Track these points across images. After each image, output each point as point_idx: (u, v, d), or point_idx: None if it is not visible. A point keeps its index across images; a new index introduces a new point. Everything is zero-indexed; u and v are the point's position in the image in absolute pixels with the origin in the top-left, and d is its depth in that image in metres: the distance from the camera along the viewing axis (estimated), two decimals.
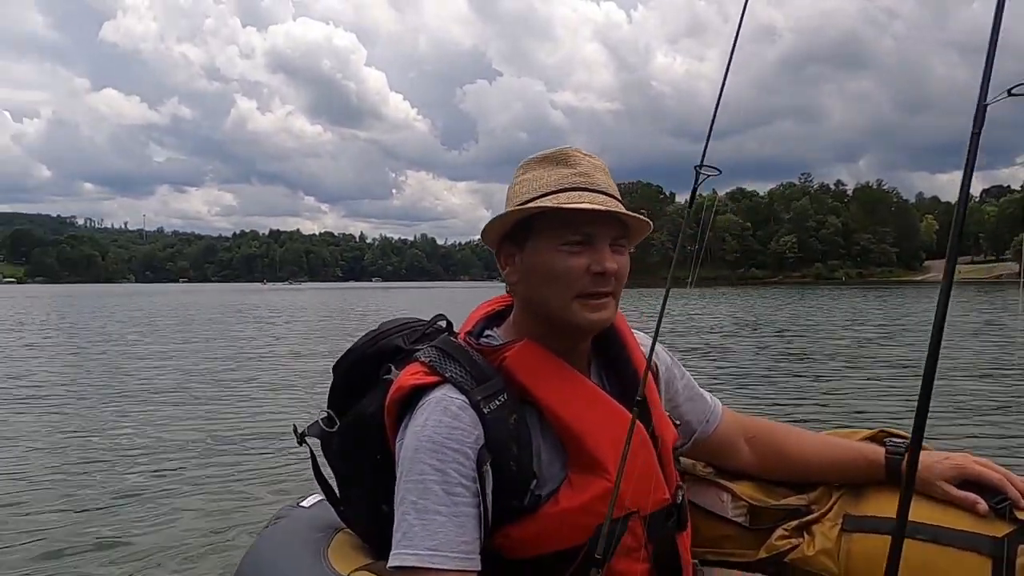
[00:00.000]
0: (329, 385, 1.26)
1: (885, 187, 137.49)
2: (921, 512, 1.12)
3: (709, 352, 11.62)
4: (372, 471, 1.13)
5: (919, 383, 0.72)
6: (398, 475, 0.99)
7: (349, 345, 1.25)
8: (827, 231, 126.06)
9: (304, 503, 1.40)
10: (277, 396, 7.41)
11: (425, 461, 0.96)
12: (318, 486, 1.32)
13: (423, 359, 1.06)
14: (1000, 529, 1.08)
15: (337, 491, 1.26)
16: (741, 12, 1.01)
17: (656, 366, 1.23)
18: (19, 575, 2.94)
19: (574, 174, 1.06)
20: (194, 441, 5.26)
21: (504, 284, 1.13)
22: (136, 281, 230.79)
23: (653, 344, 1.02)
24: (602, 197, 1.04)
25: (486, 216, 1.13)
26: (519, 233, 1.07)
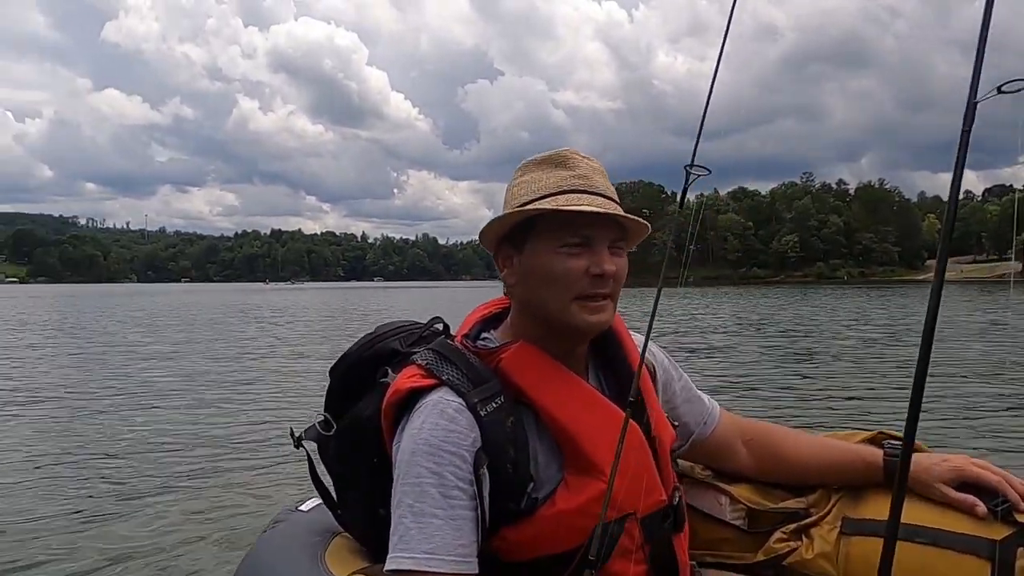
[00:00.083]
0: (326, 388, 1.26)
1: (887, 186, 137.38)
2: (919, 515, 1.12)
3: (710, 352, 11.60)
4: (369, 474, 1.13)
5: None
6: (395, 478, 0.99)
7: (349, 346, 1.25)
8: (829, 230, 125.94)
9: (303, 507, 1.40)
10: (278, 398, 7.40)
11: (422, 464, 0.96)
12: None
13: (420, 362, 1.05)
14: (999, 532, 1.07)
15: (334, 495, 1.26)
16: (729, 15, 1.01)
17: (653, 367, 1.23)
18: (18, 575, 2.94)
19: (573, 176, 1.06)
20: (194, 443, 5.25)
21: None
22: (138, 281, 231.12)
23: (646, 343, 1.02)
24: (601, 199, 1.04)
25: (487, 215, 1.14)
26: (518, 235, 1.07)
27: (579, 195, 1.04)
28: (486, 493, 0.97)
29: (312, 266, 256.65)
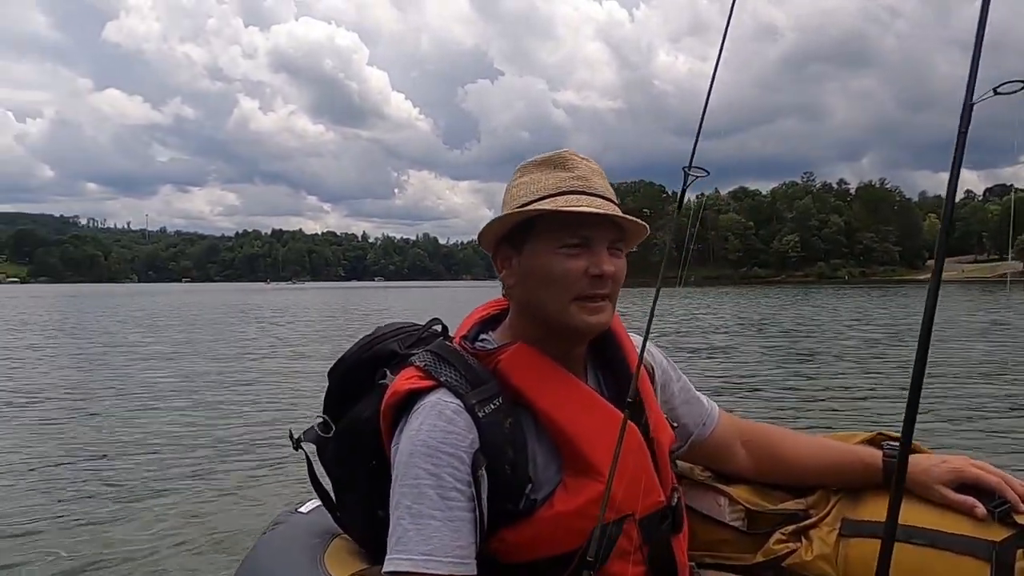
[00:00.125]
0: (325, 390, 1.26)
1: (888, 186, 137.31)
2: (918, 516, 1.12)
3: (712, 353, 11.60)
4: (367, 476, 1.13)
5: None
6: (393, 479, 0.99)
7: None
8: (830, 230, 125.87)
9: (303, 508, 1.40)
10: (279, 399, 7.39)
11: (420, 465, 0.96)
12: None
13: (418, 363, 1.05)
14: (998, 533, 1.07)
15: (333, 496, 1.26)
16: (728, 16, 1.01)
17: (651, 368, 1.23)
18: None
19: (572, 177, 1.06)
20: (195, 445, 5.25)
21: None
22: (139, 281, 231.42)
23: (644, 344, 1.01)
24: (600, 201, 1.04)
25: (488, 215, 1.14)
26: (517, 236, 1.07)
27: (578, 196, 1.04)
28: (484, 495, 0.97)
29: (313, 266, 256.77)
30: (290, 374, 9.27)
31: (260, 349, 12.82)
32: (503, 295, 1.15)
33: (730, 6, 1.04)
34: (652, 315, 0.98)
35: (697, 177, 0.95)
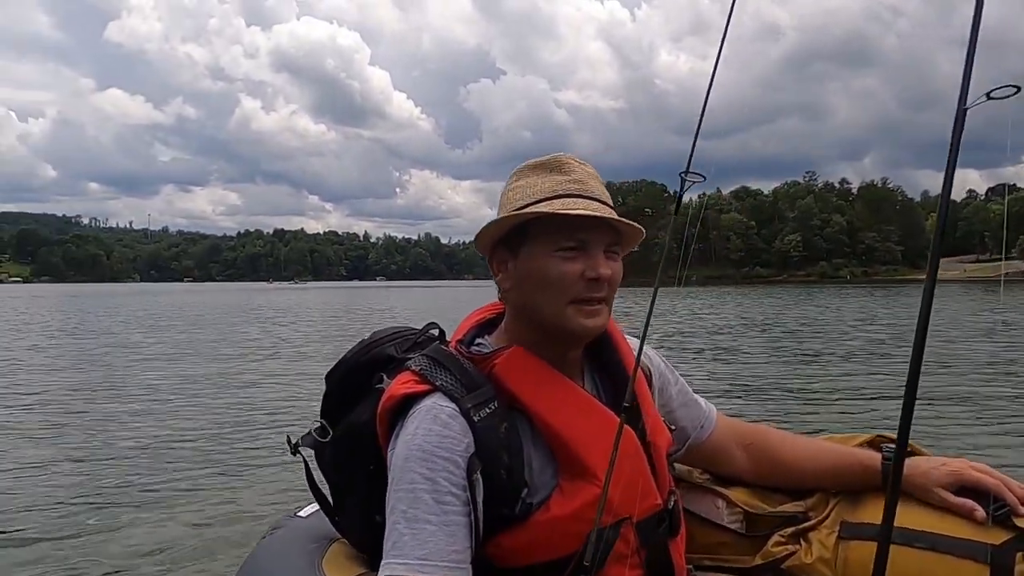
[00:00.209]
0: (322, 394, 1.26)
1: (890, 185, 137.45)
2: (918, 519, 1.11)
3: (715, 353, 11.59)
4: (365, 481, 1.13)
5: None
6: (389, 484, 0.99)
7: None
8: (832, 230, 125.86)
9: (302, 512, 1.39)
10: (281, 401, 7.37)
11: (415, 470, 0.96)
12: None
13: (414, 368, 1.05)
14: (998, 536, 1.07)
15: (331, 501, 1.26)
16: (727, 17, 1.01)
17: (649, 370, 1.23)
18: None
19: (568, 181, 1.07)
20: (195, 448, 5.24)
21: None
22: (141, 280, 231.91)
23: (641, 346, 1.01)
24: (596, 204, 1.05)
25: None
26: (513, 239, 1.07)
27: (575, 199, 1.04)
28: (480, 499, 0.97)
29: (315, 265, 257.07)
30: (293, 375, 9.26)
31: (263, 350, 12.81)
32: (499, 299, 1.15)
33: (730, 7, 1.03)
34: (649, 318, 0.98)
35: (694, 182, 0.95)
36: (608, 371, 1.15)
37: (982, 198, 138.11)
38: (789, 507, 1.29)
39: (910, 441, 0.89)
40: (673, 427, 1.21)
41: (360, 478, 1.14)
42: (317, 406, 1.24)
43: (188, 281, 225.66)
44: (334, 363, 1.24)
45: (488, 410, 1.00)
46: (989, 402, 6.67)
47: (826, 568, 1.19)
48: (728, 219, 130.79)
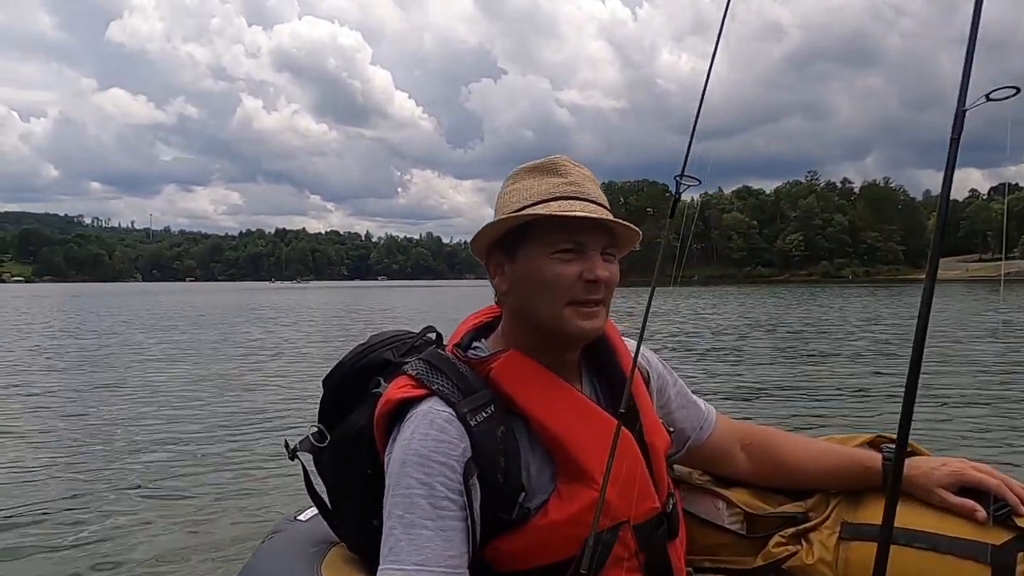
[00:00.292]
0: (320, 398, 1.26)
1: (892, 185, 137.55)
2: (919, 519, 1.11)
3: (718, 353, 11.58)
4: (363, 485, 1.13)
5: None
6: (386, 489, 0.99)
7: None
8: (834, 229, 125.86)
9: (301, 516, 1.39)
10: (281, 403, 7.32)
11: (411, 475, 0.95)
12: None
13: (410, 372, 1.05)
14: (999, 536, 1.06)
15: (330, 505, 1.26)
16: (722, 18, 1.00)
17: (647, 372, 1.22)
18: None
19: (565, 183, 1.06)
20: (196, 450, 5.21)
21: None
22: (143, 280, 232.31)
23: (638, 348, 1.01)
24: (593, 206, 1.04)
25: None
26: (510, 241, 1.07)
27: (571, 201, 1.03)
28: (477, 504, 0.97)
29: (316, 265, 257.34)
30: (294, 377, 9.23)
31: (264, 350, 12.78)
32: (496, 302, 1.14)
33: (724, 9, 1.03)
34: (646, 320, 0.98)
35: (689, 186, 0.95)
36: (606, 374, 1.15)
37: (984, 197, 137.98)
38: (789, 508, 1.29)
39: (910, 441, 0.89)
40: (672, 429, 1.21)
41: (357, 482, 1.14)
42: (316, 409, 1.24)
43: (190, 281, 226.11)
44: (332, 367, 1.24)
45: (485, 414, 0.99)
46: (990, 402, 6.66)
47: (827, 569, 1.18)
48: (730, 218, 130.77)
